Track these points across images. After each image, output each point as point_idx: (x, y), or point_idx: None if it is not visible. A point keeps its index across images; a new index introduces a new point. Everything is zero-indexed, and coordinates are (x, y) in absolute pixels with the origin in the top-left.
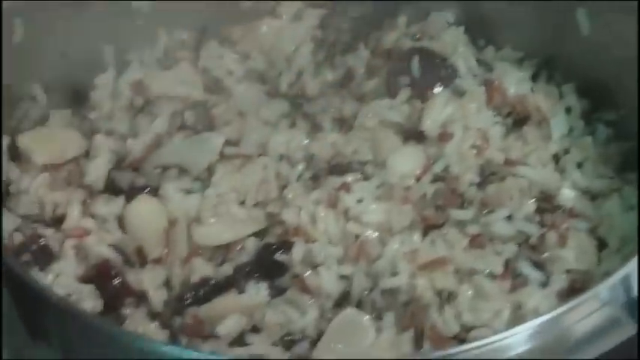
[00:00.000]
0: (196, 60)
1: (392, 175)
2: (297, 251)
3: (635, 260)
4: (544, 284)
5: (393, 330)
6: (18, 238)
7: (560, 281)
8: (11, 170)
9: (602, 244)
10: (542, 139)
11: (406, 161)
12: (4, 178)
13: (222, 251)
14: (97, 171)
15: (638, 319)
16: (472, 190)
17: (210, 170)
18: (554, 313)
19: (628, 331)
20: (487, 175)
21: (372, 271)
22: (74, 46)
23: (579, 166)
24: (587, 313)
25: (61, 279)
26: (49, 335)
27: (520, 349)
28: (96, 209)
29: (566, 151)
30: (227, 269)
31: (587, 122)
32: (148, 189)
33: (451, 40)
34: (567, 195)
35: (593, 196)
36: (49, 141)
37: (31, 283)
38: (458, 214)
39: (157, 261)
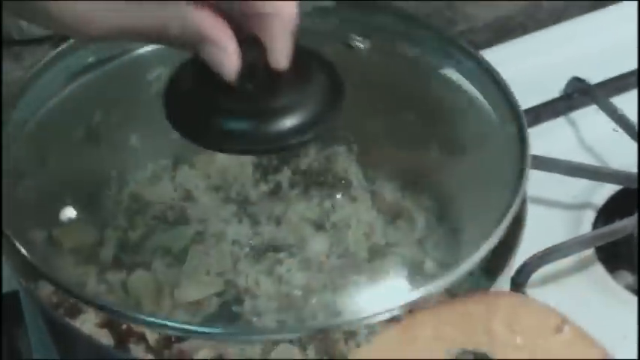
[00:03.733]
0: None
1: (310, 253)
2: (247, 305)
3: None
4: None
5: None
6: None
7: None
8: None
9: None
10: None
11: (319, 244)
12: None
13: (194, 306)
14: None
15: None
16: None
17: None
18: None
19: None
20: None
21: (298, 317)
22: None
23: None
24: None
25: (85, 325)
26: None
27: None
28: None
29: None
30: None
31: None
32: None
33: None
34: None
35: None
36: None
37: (68, 326)
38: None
39: None
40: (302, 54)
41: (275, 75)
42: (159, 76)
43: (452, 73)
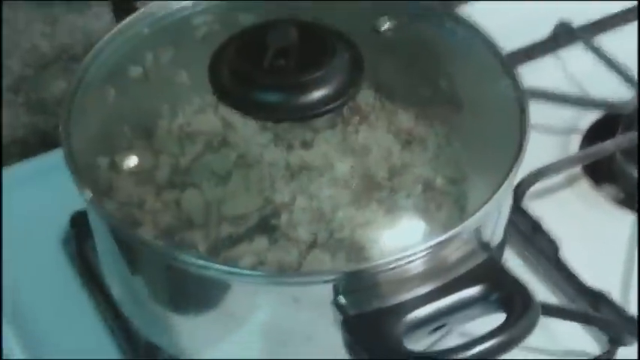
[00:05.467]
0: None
1: (337, 173)
2: (283, 218)
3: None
4: None
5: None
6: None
7: None
8: None
9: None
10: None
11: (345, 165)
12: None
13: (238, 219)
14: None
15: None
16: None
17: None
18: None
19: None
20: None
21: (328, 228)
22: None
23: None
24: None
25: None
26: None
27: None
28: None
29: None
30: (242, 229)
31: None
32: None
33: None
34: None
35: None
36: None
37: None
38: None
39: None
40: (327, 35)
41: (304, 54)
42: (204, 22)
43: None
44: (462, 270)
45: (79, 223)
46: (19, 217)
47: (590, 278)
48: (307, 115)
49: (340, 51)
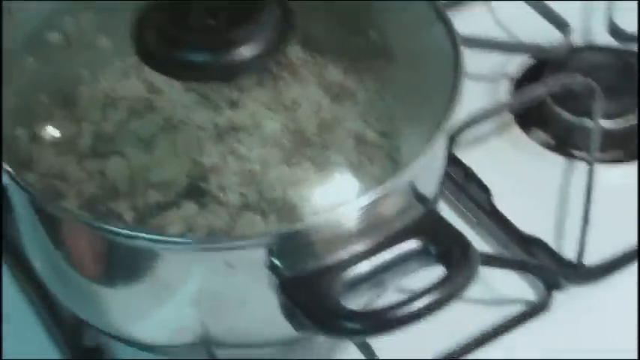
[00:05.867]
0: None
1: (266, 131)
2: (213, 181)
3: None
4: None
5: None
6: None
7: None
8: None
9: None
10: None
11: (274, 123)
12: None
13: (165, 185)
14: None
15: None
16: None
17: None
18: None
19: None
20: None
21: (259, 190)
22: None
23: None
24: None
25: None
26: None
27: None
28: None
29: None
30: (170, 195)
31: None
32: None
33: None
34: None
35: None
36: None
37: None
38: None
39: None
40: None
41: (232, 12)
42: None
43: None
44: (399, 224)
45: None
46: None
47: (524, 224)
48: (236, 73)
49: (270, 6)
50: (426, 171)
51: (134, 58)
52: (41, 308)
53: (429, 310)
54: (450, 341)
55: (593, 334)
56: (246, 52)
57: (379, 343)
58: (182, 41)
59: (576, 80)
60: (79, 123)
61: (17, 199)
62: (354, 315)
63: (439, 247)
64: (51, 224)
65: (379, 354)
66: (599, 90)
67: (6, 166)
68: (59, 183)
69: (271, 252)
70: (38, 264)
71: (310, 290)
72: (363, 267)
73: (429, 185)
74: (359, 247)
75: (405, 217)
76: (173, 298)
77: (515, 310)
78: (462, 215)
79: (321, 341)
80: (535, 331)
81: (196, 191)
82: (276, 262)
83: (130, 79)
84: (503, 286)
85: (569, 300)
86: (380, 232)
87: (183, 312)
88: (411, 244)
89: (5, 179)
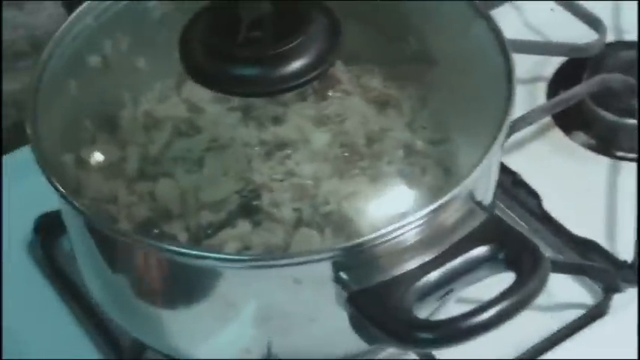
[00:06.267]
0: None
1: (314, 146)
2: (265, 198)
3: None
4: None
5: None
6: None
7: None
8: None
9: None
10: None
11: (321, 137)
12: None
13: (217, 204)
14: None
15: None
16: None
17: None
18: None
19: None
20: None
21: (312, 204)
22: None
23: None
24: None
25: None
26: None
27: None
28: None
29: None
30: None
31: None
32: None
33: None
34: None
35: None
36: None
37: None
38: None
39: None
40: (302, 3)
41: (279, 24)
42: (156, 5)
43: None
44: (464, 232)
45: (44, 226)
46: None
47: (576, 228)
48: (286, 87)
49: (317, 17)
50: (483, 178)
51: (173, 79)
52: (96, 335)
53: (502, 317)
54: (512, 348)
55: None
56: (295, 65)
57: (441, 353)
58: (228, 55)
59: (615, 78)
60: (125, 146)
61: (72, 222)
62: (427, 325)
63: (508, 253)
64: (108, 247)
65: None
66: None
67: (60, 189)
68: (110, 207)
69: (337, 265)
70: (95, 289)
71: (380, 302)
72: (432, 276)
73: (486, 192)
74: (426, 257)
75: (468, 225)
76: (237, 318)
77: (575, 314)
78: (513, 222)
79: (384, 356)
80: (596, 335)
81: (249, 209)
82: (344, 275)
83: (170, 100)
84: (561, 292)
85: (628, 302)
86: (445, 240)
87: (248, 331)
88: (479, 251)
89: (59, 203)
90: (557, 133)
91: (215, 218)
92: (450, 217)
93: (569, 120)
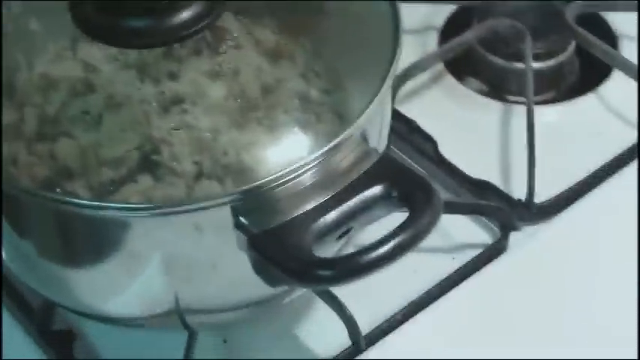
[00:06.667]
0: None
1: (211, 99)
2: (165, 153)
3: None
4: None
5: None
6: None
7: None
8: None
9: None
10: None
11: (217, 90)
12: None
13: (118, 161)
14: None
15: None
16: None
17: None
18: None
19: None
20: None
21: (211, 156)
22: None
23: None
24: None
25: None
26: None
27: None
28: None
29: None
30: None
31: None
32: None
33: None
34: None
35: None
36: None
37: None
38: None
39: None
40: None
41: None
42: None
43: None
44: (358, 173)
45: None
46: None
47: (471, 170)
48: (173, 38)
49: None
50: (375, 121)
51: (68, 40)
52: (8, 297)
53: (397, 251)
54: (415, 289)
55: (552, 271)
56: (184, 15)
57: (346, 297)
58: (120, 8)
59: (503, 23)
60: (22, 108)
61: None
62: (325, 262)
63: (400, 191)
64: (10, 208)
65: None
66: (527, 32)
67: None
68: (11, 169)
69: (236, 210)
70: (4, 253)
71: (280, 243)
72: (329, 217)
73: (380, 134)
74: (322, 198)
75: (361, 167)
76: (143, 269)
77: (474, 254)
78: (410, 166)
79: (288, 301)
80: (496, 273)
81: (149, 164)
82: (243, 220)
83: (65, 61)
84: (460, 233)
85: (525, 240)
86: (340, 182)
87: (155, 282)
88: (374, 191)
89: None
90: (450, 80)
91: (116, 175)
92: (343, 159)
93: (461, 66)
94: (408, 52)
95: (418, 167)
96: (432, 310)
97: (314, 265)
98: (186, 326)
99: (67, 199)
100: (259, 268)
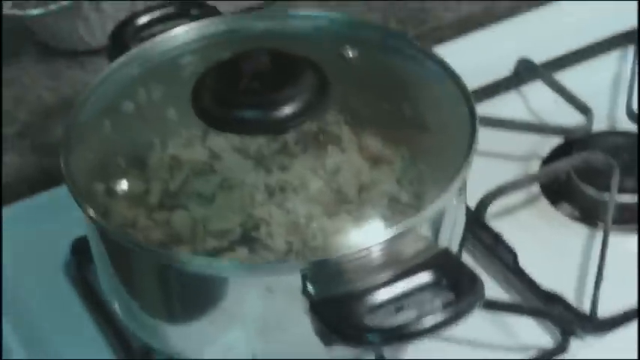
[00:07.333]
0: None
1: (311, 191)
2: (262, 230)
3: None
4: None
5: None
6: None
7: None
8: None
9: None
10: None
11: (317, 184)
12: None
13: (222, 234)
14: None
15: None
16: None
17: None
18: None
19: None
20: None
21: (302, 239)
22: None
23: None
24: None
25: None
26: None
27: None
28: None
29: None
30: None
31: None
32: None
33: None
34: None
35: None
36: None
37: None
38: None
39: None
40: (295, 60)
41: (276, 76)
42: (190, 62)
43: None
44: (417, 260)
45: (79, 248)
46: (25, 247)
47: (545, 283)
48: (281, 129)
49: (307, 73)
50: (443, 216)
51: (197, 129)
52: (112, 338)
53: (435, 327)
54: None
55: None
56: (288, 110)
57: None
58: (233, 102)
59: (597, 157)
60: (149, 181)
61: (95, 242)
62: (372, 329)
63: (449, 278)
64: (119, 259)
65: None
66: (617, 166)
67: (87, 209)
68: (130, 230)
69: (305, 277)
70: (112, 299)
71: (337, 311)
72: (383, 294)
73: (448, 232)
74: (381, 277)
75: (423, 256)
76: (226, 324)
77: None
78: (491, 275)
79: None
80: None
81: (248, 239)
82: (310, 287)
83: (193, 146)
84: (524, 335)
85: (585, 348)
86: (399, 266)
87: (233, 334)
88: (427, 276)
89: (86, 224)
90: (544, 203)
91: (218, 244)
92: (406, 246)
93: (557, 192)
94: (508, 175)
95: (498, 276)
96: None
97: (363, 330)
98: None
99: (171, 253)
100: (318, 330)
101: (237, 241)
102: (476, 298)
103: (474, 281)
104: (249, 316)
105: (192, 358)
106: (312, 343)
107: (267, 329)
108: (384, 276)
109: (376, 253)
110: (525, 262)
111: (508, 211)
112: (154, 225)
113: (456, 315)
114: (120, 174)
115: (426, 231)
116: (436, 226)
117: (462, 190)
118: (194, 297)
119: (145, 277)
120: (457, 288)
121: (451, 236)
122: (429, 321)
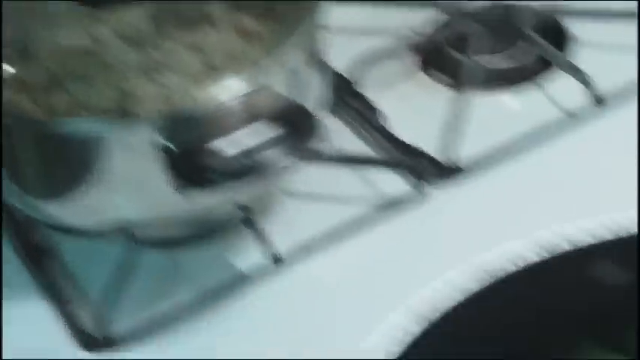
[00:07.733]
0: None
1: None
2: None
3: None
4: None
5: None
6: None
7: None
8: None
9: None
10: None
11: (191, 58)
12: None
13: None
14: None
15: None
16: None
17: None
18: None
19: None
20: None
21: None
22: None
23: None
24: None
25: None
26: None
27: None
28: None
29: None
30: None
31: None
32: None
33: None
34: None
35: None
36: None
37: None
38: None
39: None
40: None
41: None
42: None
43: None
44: (270, 114)
45: None
46: None
47: (409, 140)
48: None
49: None
50: (297, 75)
51: (80, 17)
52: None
53: (274, 165)
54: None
55: (468, 222)
56: None
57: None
58: None
59: (466, 25)
60: (31, 68)
61: None
62: (218, 169)
63: (300, 130)
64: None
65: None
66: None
67: None
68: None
69: (161, 132)
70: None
71: (191, 162)
72: (236, 145)
73: (304, 91)
74: (234, 131)
75: (276, 111)
76: (92, 183)
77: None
78: (361, 138)
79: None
80: (415, 220)
81: (123, 113)
82: (166, 142)
83: (76, 33)
84: (386, 187)
85: (443, 194)
86: (253, 120)
87: (102, 195)
88: (278, 129)
89: None
90: (422, 75)
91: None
92: (259, 103)
93: (431, 63)
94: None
95: (365, 135)
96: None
97: (212, 172)
98: (135, 240)
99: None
100: (175, 180)
101: (110, 112)
102: (317, 140)
103: (317, 127)
104: (115, 177)
105: (66, 224)
106: (173, 198)
107: (133, 189)
108: (238, 129)
109: (231, 108)
110: (397, 126)
111: (386, 82)
112: (36, 107)
113: (294, 155)
114: (5, 61)
115: (280, 89)
116: (292, 85)
117: (314, 49)
118: (66, 164)
119: (21, 148)
120: (302, 134)
121: (307, 96)
122: (269, 158)
